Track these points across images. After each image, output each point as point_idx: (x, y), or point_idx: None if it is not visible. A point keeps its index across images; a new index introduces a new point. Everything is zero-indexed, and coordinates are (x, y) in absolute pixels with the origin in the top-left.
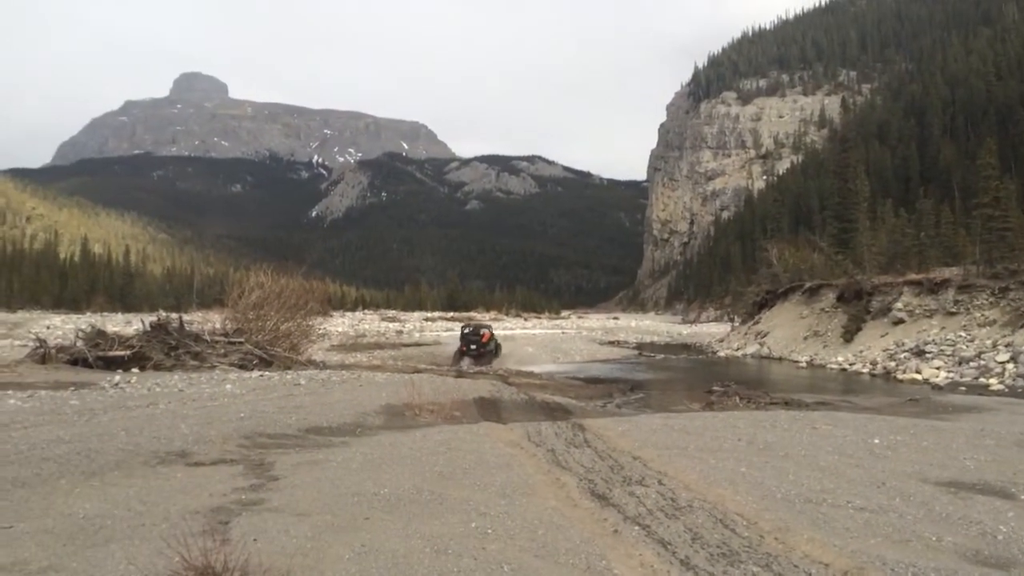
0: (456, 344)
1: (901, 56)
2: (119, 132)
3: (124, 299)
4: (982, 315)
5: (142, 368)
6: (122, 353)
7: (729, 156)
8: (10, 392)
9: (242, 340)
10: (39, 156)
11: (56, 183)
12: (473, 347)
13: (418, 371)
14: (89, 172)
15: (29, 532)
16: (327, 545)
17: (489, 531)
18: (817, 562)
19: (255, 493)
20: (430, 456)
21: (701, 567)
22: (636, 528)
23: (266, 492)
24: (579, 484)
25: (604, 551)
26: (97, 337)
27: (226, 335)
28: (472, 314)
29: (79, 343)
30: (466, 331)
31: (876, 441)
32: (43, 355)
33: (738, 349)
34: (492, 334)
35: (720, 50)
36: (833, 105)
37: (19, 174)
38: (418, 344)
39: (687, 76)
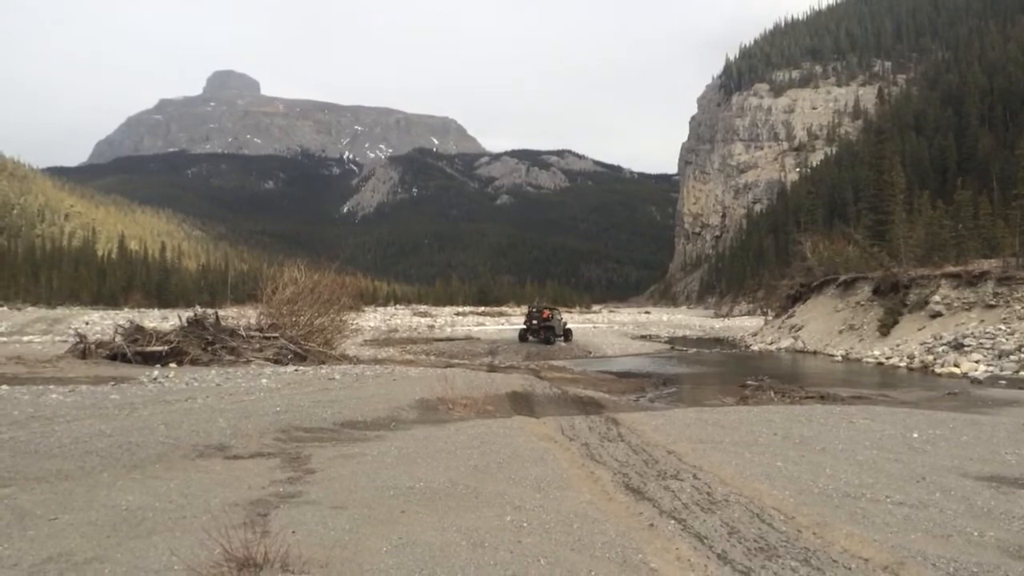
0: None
1: (937, 45)
2: (154, 130)
3: (160, 295)
4: (1023, 308)
5: (179, 363)
6: (160, 348)
7: (761, 148)
8: (52, 386)
9: (277, 335)
10: (76, 155)
11: (93, 181)
12: (535, 322)
13: (450, 366)
14: (125, 170)
15: (74, 524)
16: (364, 537)
17: (524, 524)
18: (857, 557)
19: (292, 486)
20: (464, 450)
21: (738, 561)
22: (672, 522)
23: (303, 485)
24: (613, 478)
25: (640, 545)
26: (135, 333)
27: (261, 330)
28: (503, 308)
29: (118, 339)
30: (532, 310)
31: (915, 435)
32: (83, 350)
33: (772, 343)
34: (552, 313)
35: (752, 42)
36: (868, 96)
37: (57, 172)
38: (450, 339)
39: (718, 69)
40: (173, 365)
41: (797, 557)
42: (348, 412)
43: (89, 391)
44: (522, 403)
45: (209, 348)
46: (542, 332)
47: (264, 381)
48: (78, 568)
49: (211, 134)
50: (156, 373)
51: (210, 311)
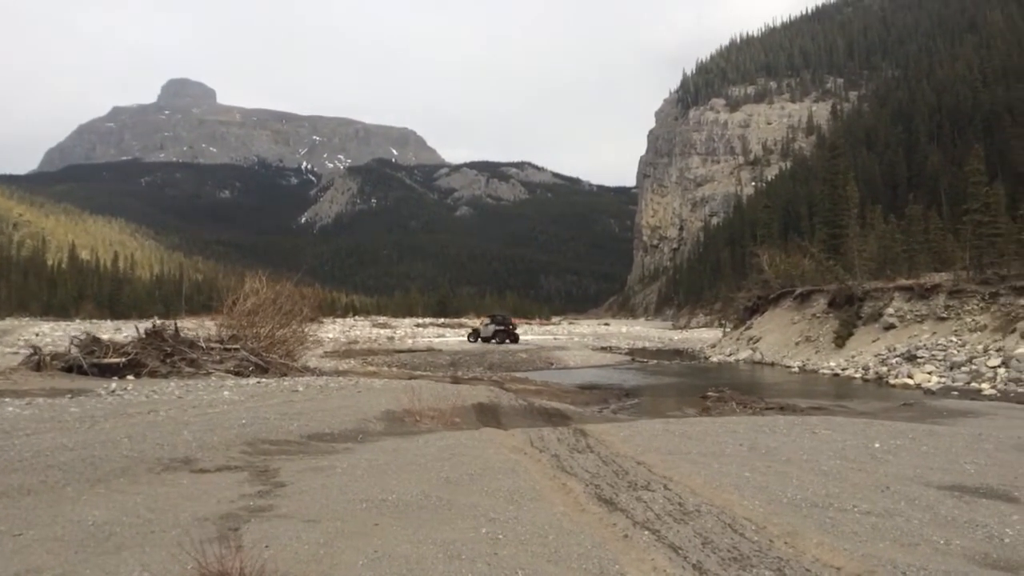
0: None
1: (887, 63)
2: (106, 138)
3: (113, 306)
4: (973, 320)
5: (137, 375)
6: (117, 360)
7: (718, 162)
8: (7, 399)
9: (237, 347)
10: (26, 163)
11: (43, 190)
12: (503, 328)
13: (414, 377)
14: (76, 178)
15: (39, 539)
16: (339, 551)
17: (500, 536)
18: (829, 566)
19: (263, 500)
20: (435, 462)
21: (713, 571)
22: (646, 533)
23: (274, 499)
24: (585, 489)
25: (616, 556)
26: (92, 344)
27: (221, 342)
28: (463, 319)
29: (74, 350)
30: (498, 316)
31: (876, 445)
32: (38, 362)
33: (730, 354)
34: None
35: (708, 57)
36: (821, 112)
37: (5, 180)
38: (411, 350)
39: (676, 83)
40: (131, 377)
41: (771, 567)
42: (315, 424)
43: (47, 404)
44: (489, 415)
45: (168, 360)
46: (510, 335)
47: (226, 393)
48: None
49: (165, 143)
50: (114, 385)
51: (169, 322)
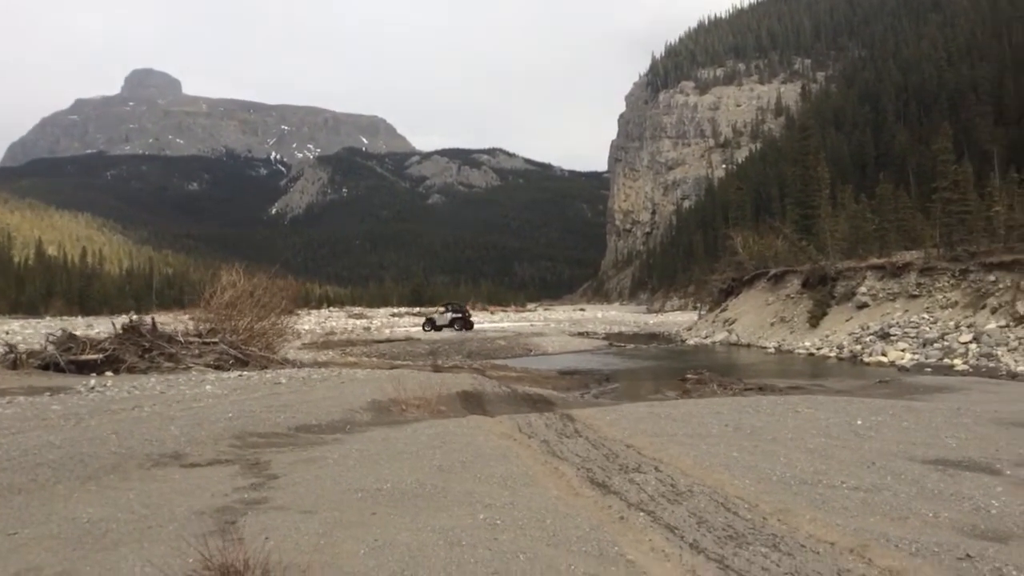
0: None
1: (854, 43)
2: (70, 131)
3: (83, 302)
4: (944, 297)
5: (116, 371)
6: (95, 357)
7: (689, 145)
8: None
9: (216, 340)
10: None
11: (7, 185)
12: (460, 315)
13: (395, 367)
14: (41, 173)
15: (35, 538)
16: (339, 541)
17: (498, 522)
18: (822, 541)
19: (257, 492)
20: (426, 450)
21: (711, 550)
22: (641, 514)
23: (268, 491)
24: (577, 473)
25: (614, 538)
26: (68, 341)
27: (200, 336)
28: (439, 308)
29: (50, 348)
30: (449, 306)
31: (859, 423)
32: (14, 360)
33: (706, 337)
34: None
35: (677, 40)
36: (789, 93)
37: None
38: (389, 340)
39: (645, 67)
40: (109, 373)
41: (766, 543)
42: (302, 416)
43: (28, 402)
44: (474, 402)
45: (146, 355)
46: (466, 323)
47: (209, 387)
48: None
49: (131, 135)
50: (93, 382)
51: (147, 317)
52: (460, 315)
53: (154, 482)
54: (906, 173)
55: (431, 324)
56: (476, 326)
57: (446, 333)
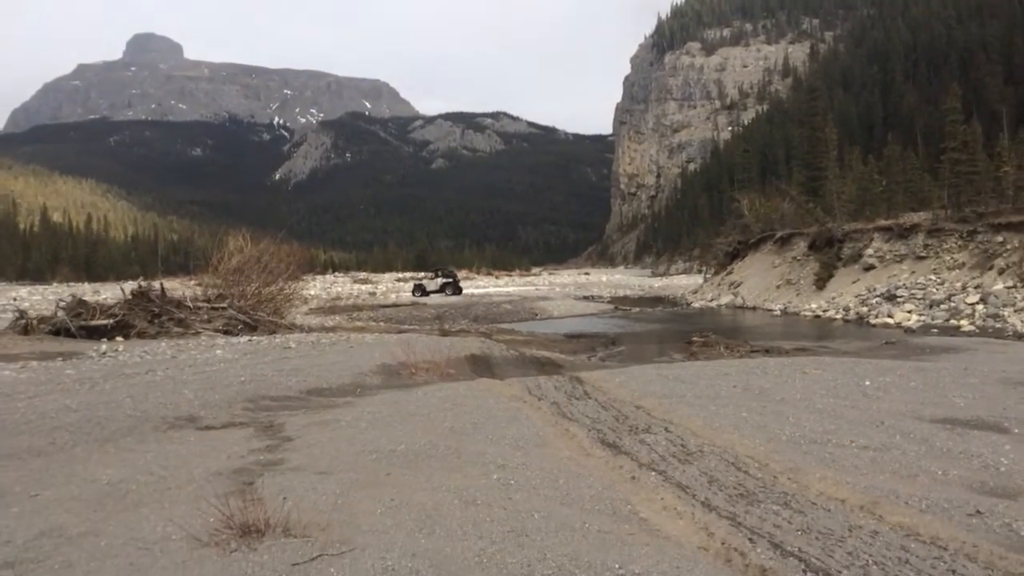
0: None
1: (863, 2)
2: (73, 97)
3: (89, 268)
4: (951, 258)
5: (126, 336)
6: (105, 322)
7: (694, 108)
8: (0, 364)
9: (225, 305)
10: None
11: (11, 151)
12: (450, 280)
13: (402, 331)
14: (44, 139)
15: (57, 499)
16: (356, 501)
17: (512, 482)
18: (833, 499)
19: (272, 454)
20: (438, 412)
21: (723, 508)
22: (652, 474)
23: (283, 452)
24: (588, 434)
25: (627, 496)
26: (78, 307)
27: (208, 301)
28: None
29: (60, 313)
30: (439, 271)
31: (867, 383)
32: (25, 326)
33: (712, 300)
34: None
35: (683, 0)
36: (797, 54)
37: None
38: (395, 305)
39: (651, 28)
40: (120, 339)
41: (777, 501)
42: (313, 380)
43: (42, 367)
44: (482, 365)
45: (156, 321)
46: (456, 288)
47: (219, 352)
48: (73, 542)
49: (133, 100)
50: (104, 347)
51: (156, 283)
52: (450, 280)
53: (170, 444)
54: (914, 134)
55: (421, 290)
56: (482, 291)
57: (436, 299)
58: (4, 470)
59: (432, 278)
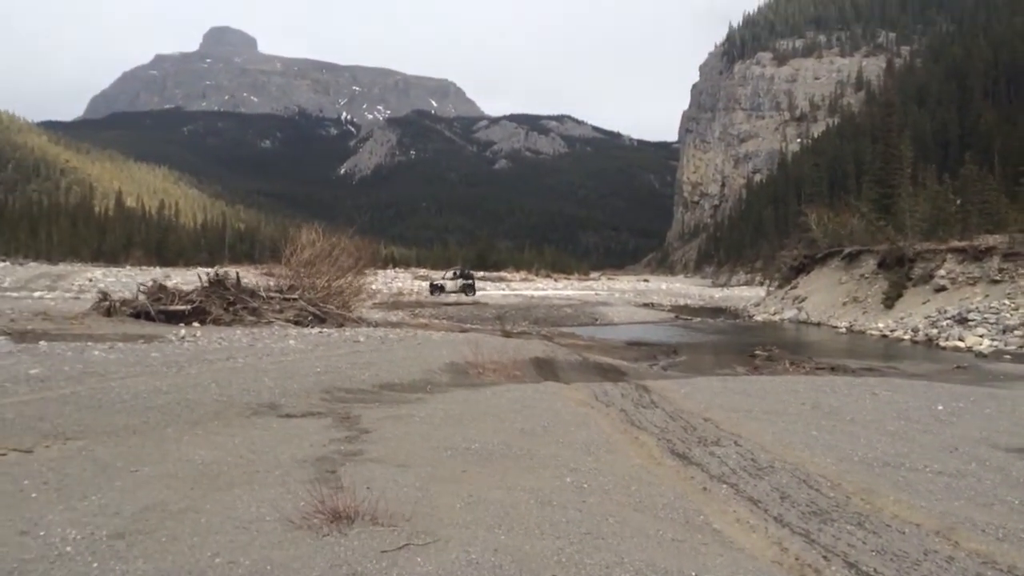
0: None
1: (942, 16)
2: (150, 86)
3: (160, 253)
4: None
5: (202, 322)
6: (183, 307)
7: (763, 118)
8: (90, 343)
9: (296, 296)
10: (71, 110)
11: (89, 136)
12: (469, 281)
13: (465, 330)
14: (121, 126)
15: (155, 476)
16: (436, 495)
17: (585, 486)
18: (908, 522)
19: (351, 445)
20: (509, 413)
21: (796, 524)
22: (724, 487)
23: (361, 444)
24: (657, 443)
25: (699, 507)
26: (158, 292)
27: (280, 291)
28: (503, 273)
29: (141, 297)
30: (457, 271)
31: (940, 408)
32: (108, 308)
33: (775, 313)
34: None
35: (756, 9)
36: (871, 67)
37: (52, 127)
38: (457, 303)
39: (721, 36)
40: (196, 324)
41: (851, 521)
42: (384, 374)
43: (128, 348)
44: (547, 369)
45: (230, 308)
46: (472, 288)
47: (292, 343)
48: (176, 518)
49: (207, 91)
50: (183, 332)
51: (231, 271)
52: (470, 282)
53: (254, 430)
54: (992, 154)
55: (439, 289)
56: (541, 293)
57: (517, 299)
58: (105, 446)
59: (452, 278)
